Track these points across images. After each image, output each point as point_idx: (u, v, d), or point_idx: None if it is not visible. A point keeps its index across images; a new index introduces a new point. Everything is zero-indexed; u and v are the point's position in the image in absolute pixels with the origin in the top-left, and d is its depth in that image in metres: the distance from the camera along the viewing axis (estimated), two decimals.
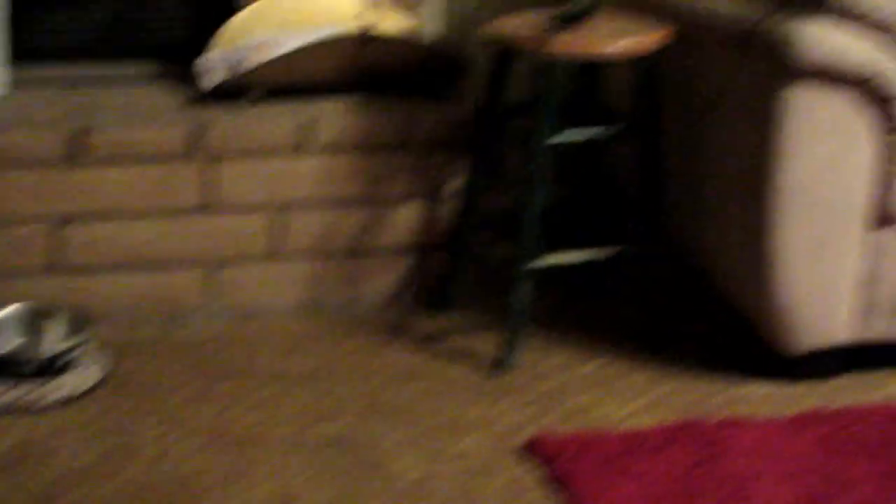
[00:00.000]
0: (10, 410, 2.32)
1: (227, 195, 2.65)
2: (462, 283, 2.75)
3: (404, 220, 2.73)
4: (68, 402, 2.35)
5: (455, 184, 2.73)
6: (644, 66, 2.54)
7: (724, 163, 2.54)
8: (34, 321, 2.47)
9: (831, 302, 2.44)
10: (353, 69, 2.76)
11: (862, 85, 2.31)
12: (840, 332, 2.47)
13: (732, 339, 2.62)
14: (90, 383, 2.40)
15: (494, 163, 2.79)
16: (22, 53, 2.81)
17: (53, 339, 2.44)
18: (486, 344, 2.61)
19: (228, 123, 2.64)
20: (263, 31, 2.77)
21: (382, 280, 2.75)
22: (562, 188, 2.82)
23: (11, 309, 2.49)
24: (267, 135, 2.65)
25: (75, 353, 2.41)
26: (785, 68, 2.30)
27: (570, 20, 2.51)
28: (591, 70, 2.70)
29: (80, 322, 2.47)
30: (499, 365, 2.53)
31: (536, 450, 2.25)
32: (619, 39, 2.47)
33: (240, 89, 2.72)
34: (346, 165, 2.68)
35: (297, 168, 2.66)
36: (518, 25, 2.52)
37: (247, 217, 2.66)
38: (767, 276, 2.40)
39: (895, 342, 2.52)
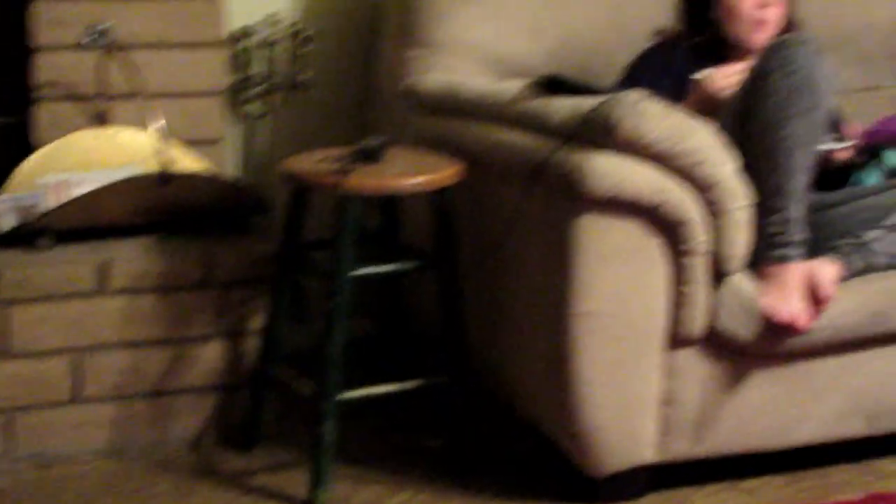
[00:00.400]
0: None
1: (22, 340, 2.60)
2: (269, 420, 2.75)
3: (208, 358, 2.72)
4: None
5: (258, 320, 2.75)
6: (440, 200, 2.61)
7: (523, 291, 2.61)
8: None
9: (634, 423, 2.51)
10: (153, 208, 2.77)
11: (651, 212, 2.41)
12: (644, 452, 2.54)
13: (542, 465, 2.67)
14: None
15: (296, 298, 2.81)
16: None
17: None
18: (295, 481, 2.60)
19: (21, 268, 2.60)
20: (59, 172, 2.75)
21: (188, 420, 2.73)
22: (366, 322, 2.86)
23: None
24: (64, 278, 2.62)
25: None
26: (576, 199, 2.39)
27: (365, 157, 2.57)
28: (390, 205, 2.77)
29: None
30: (308, 502, 2.53)
31: None
32: (414, 175, 2.53)
33: (34, 233, 2.69)
34: (146, 306, 2.67)
35: (96, 310, 2.64)
36: (314, 163, 2.57)
37: (45, 361, 2.62)
38: (571, 400, 2.47)
39: (697, 460, 2.61)
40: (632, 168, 2.38)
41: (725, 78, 2.73)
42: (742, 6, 3.00)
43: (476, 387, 2.77)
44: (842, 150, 2.82)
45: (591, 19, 3.14)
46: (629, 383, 2.49)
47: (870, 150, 3.00)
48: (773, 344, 2.56)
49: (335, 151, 2.61)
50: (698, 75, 2.76)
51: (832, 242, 2.68)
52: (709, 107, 2.72)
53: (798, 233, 2.55)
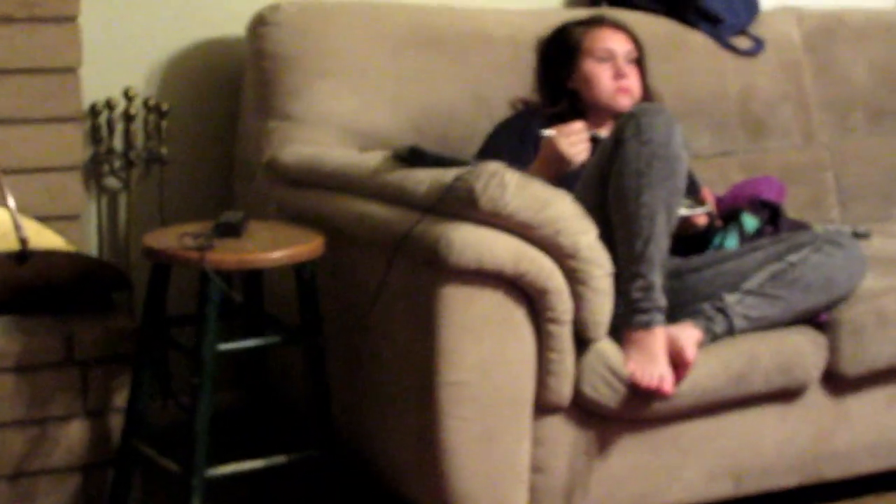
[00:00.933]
0: None
1: None
2: (136, 498, 2.70)
3: (71, 437, 2.67)
4: None
5: (121, 397, 2.71)
6: (303, 273, 2.61)
7: (390, 363, 2.62)
8: None
9: (504, 492, 2.52)
10: (11, 287, 2.72)
11: (515, 281, 2.44)
12: None
13: None
14: None
15: (160, 374, 2.79)
16: None
17: None
18: None
19: None
20: None
21: (52, 502, 2.67)
22: (233, 395, 2.84)
23: None
24: None
25: None
26: (439, 270, 2.41)
27: (226, 231, 2.57)
28: (253, 279, 2.76)
29: None
30: None
31: None
32: (276, 249, 2.52)
33: None
34: (6, 386, 2.62)
35: None
36: (175, 238, 2.54)
37: None
38: (439, 470, 2.47)
39: None
40: (494, 238, 2.41)
41: (568, 136, 2.76)
42: (601, 76, 3.07)
43: (346, 460, 2.76)
44: (699, 215, 2.89)
45: (451, 90, 3.18)
46: (498, 452, 2.51)
47: (729, 215, 3.09)
48: (640, 409, 2.60)
49: (196, 226, 2.60)
50: (546, 132, 2.82)
51: (694, 307, 2.74)
52: (558, 166, 2.76)
53: (659, 298, 2.60)
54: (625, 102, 3.05)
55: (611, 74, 3.08)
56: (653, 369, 2.57)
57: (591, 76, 3.08)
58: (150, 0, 3.21)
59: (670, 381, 2.58)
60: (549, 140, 2.76)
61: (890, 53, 3.87)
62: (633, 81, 3.10)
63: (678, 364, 2.60)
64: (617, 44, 3.11)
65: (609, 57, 3.09)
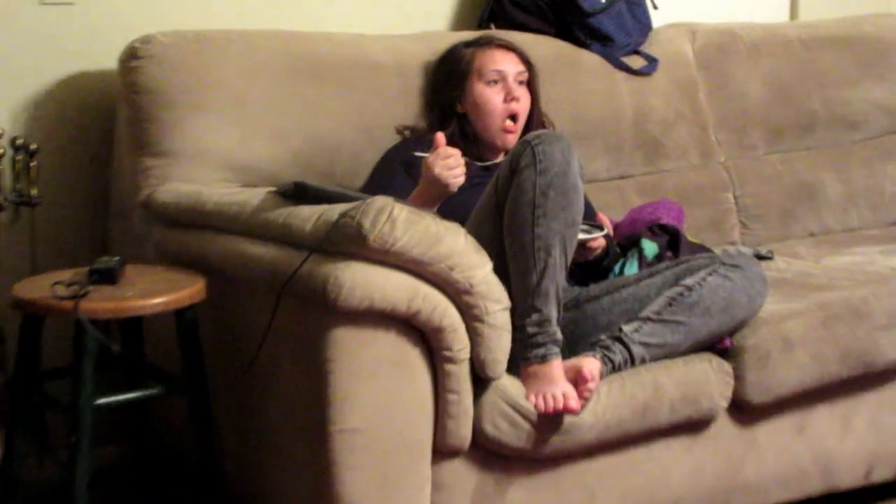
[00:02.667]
0: None
1: None
2: None
3: None
4: None
5: None
6: (184, 319, 2.57)
7: (280, 410, 2.58)
8: None
9: None
10: None
11: (408, 320, 2.43)
12: None
13: None
14: None
15: (36, 431, 2.73)
16: None
17: None
18: None
19: None
20: None
21: None
22: (116, 451, 2.79)
23: None
24: None
25: None
26: (328, 312, 2.38)
27: (101, 278, 2.52)
28: (132, 326, 2.71)
29: None
30: None
31: None
32: (155, 295, 2.49)
33: None
34: None
35: None
36: (46, 287, 2.50)
37: None
38: None
39: None
40: (385, 277, 2.40)
41: (444, 158, 2.71)
42: (491, 99, 3.08)
43: None
44: (596, 238, 2.89)
45: (335, 120, 3.16)
46: (397, 499, 2.48)
47: (629, 241, 3.10)
48: (543, 445, 2.59)
49: (69, 273, 2.55)
50: (421, 154, 2.81)
51: (593, 337, 2.75)
52: (436, 190, 2.72)
53: (555, 332, 2.60)
54: (510, 140, 3.07)
55: (501, 97, 3.08)
56: (554, 390, 2.58)
57: (480, 99, 3.09)
58: (14, 33, 3.14)
59: (574, 397, 2.57)
60: (424, 162, 2.74)
61: (785, 68, 3.93)
62: (523, 104, 3.11)
63: (581, 387, 2.59)
64: (507, 65, 3.12)
65: (499, 78, 3.09)
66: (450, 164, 2.70)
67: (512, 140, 3.07)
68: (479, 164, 2.97)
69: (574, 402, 2.56)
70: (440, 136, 2.73)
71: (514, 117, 3.10)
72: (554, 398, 2.56)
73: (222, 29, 3.17)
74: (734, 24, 3.98)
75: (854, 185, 3.94)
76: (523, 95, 3.12)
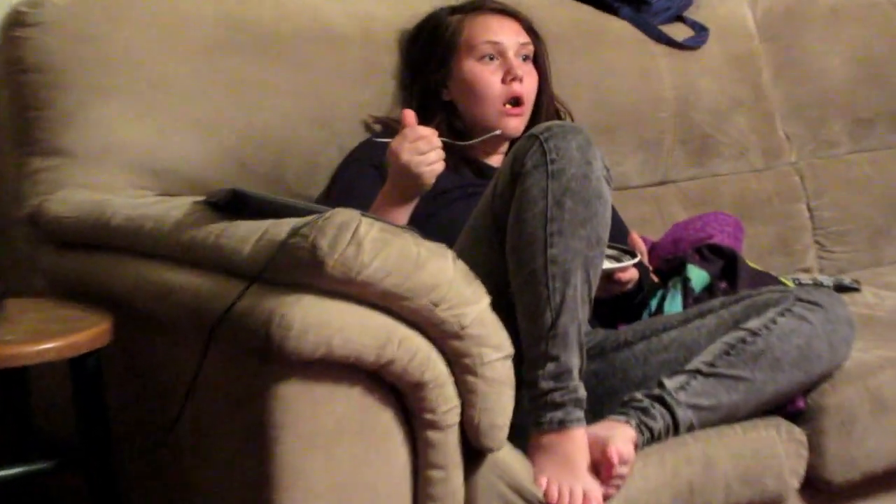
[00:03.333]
0: None
1: None
2: None
3: None
4: None
5: None
6: (83, 369, 2.56)
7: (211, 484, 2.58)
8: None
9: None
10: None
11: (378, 372, 2.42)
12: None
13: None
14: None
15: None
16: None
17: None
18: None
19: None
20: None
21: None
22: None
23: None
24: None
25: None
26: (273, 360, 2.37)
27: None
28: (14, 380, 2.71)
29: None
30: None
31: None
32: (44, 337, 2.48)
33: None
34: None
35: None
36: None
37: None
38: None
39: None
40: (347, 314, 2.39)
41: (412, 141, 2.72)
42: (484, 80, 3.09)
43: None
44: (627, 268, 2.89)
45: (284, 107, 3.18)
46: None
47: (669, 268, 3.10)
48: None
49: None
50: (383, 139, 2.80)
51: (624, 395, 2.74)
52: (407, 184, 2.74)
53: (577, 388, 2.59)
54: (513, 125, 3.07)
55: (499, 77, 3.09)
56: (573, 483, 2.56)
57: (471, 80, 3.10)
58: None
59: (598, 499, 2.57)
60: (389, 150, 2.74)
61: (877, 39, 3.96)
62: (528, 85, 3.11)
63: (606, 475, 2.59)
64: (506, 35, 3.13)
65: (496, 53, 3.10)
66: (420, 148, 2.70)
67: (517, 125, 3.08)
68: (462, 143, 2.96)
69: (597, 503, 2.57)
70: (408, 114, 2.74)
71: (516, 101, 3.10)
72: (572, 495, 2.55)
73: None
74: None
75: None
76: (528, 74, 3.13)
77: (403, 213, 2.79)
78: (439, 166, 2.72)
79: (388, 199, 2.74)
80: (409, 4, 3.37)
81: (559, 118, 3.22)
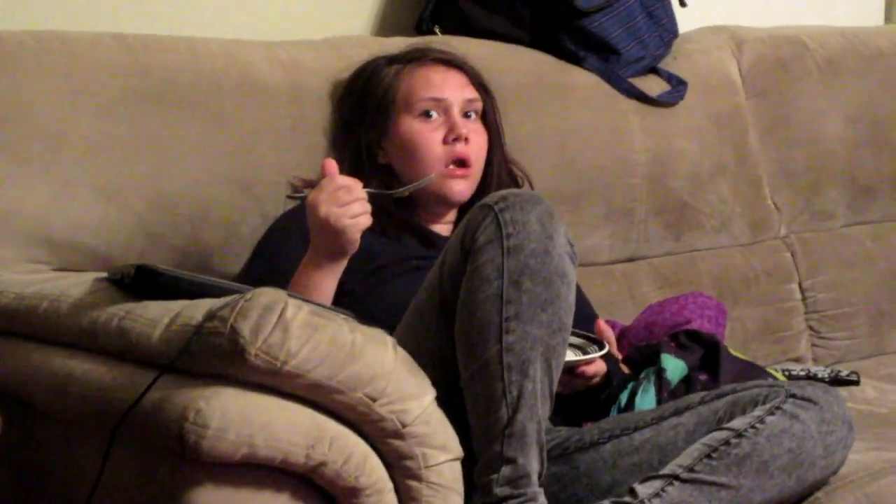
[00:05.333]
0: None
1: None
2: None
3: None
4: None
5: None
6: None
7: None
8: None
9: None
10: None
11: (307, 475, 2.43)
12: None
13: None
14: None
15: None
16: None
17: None
18: None
19: None
20: None
21: None
22: None
23: None
24: None
25: None
26: (187, 462, 2.37)
27: None
28: None
29: None
30: None
31: None
32: None
33: None
34: None
35: None
36: None
37: None
38: None
39: None
40: (272, 410, 2.40)
41: (331, 192, 2.74)
42: (423, 141, 3.10)
43: None
44: (592, 359, 2.89)
45: (200, 170, 3.18)
46: None
47: (642, 357, 3.11)
48: None
49: None
50: (296, 195, 2.81)
51: (591, 503, 2.75)
52: (328, 241, 2.76)
53: (539, 494, 2.60)
54: (458, 188, 3.09)
55: (440, 136, 3.10)
56: None
57: (410, 140, 3.12)
58: None
59: None
60: (307, 205, 2.77)
61: (879, 96, 3.98)
62: (474, 146, 3.13)
63: None
64: (450, 90, 3.16)
65: (438, 109, 3.13)
66: (341, 199, 2.72)
67: (462, 189, 3.10)
68: (390, 192, 2.96)
69: None
70: (328, 163, 2.76)
71: (461, 163, 3.12)
72: None
73: (31, 30, 3.18)
74: (801, 30, 4.04)
75: None
76: (474, 133, 3.14)
77: (328, 280, 2.81)
78: (365, 220, 2.74)
79: (310, 263, 2.76)
80: (342, 52, 3.39)
81: (515, 183, 3.24)
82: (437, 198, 3.13)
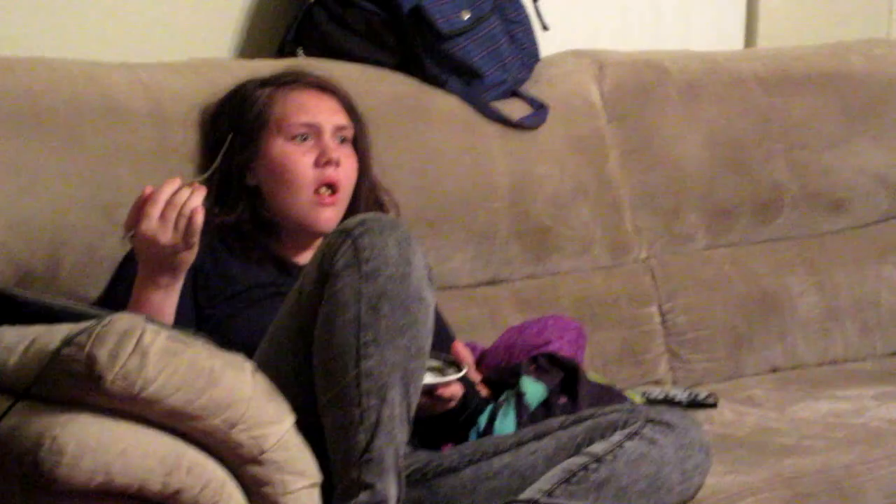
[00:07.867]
0: None
1: None
2: None
3: None
4: None
5: None
6: None
7: None
8: None
9: None
10: None
11: (168, 501, 2.41)
12: None
13: None
14: None
15: None
16: None
17: None
18: None
19: None
20: None
21: None
22: None
23: None
24: None
25: None
26: (41, 489, 2.35)
27: None
28: None
29: None
30: None
31: None
32: None
33: None
34: None
35: None
36: None
37: None
38: None
39: None
40: (129, 437, 2.38)
41: (137, 209, 2.73)
42: (294, 164, 3.10)
43: None
44: (451, 382, 2.90)
45: (58, 195, 3.16)
46: None
47: (501, 380, 3.11)
48: None
49: None
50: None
51: None
52: (154, 257, 2.75)
53: None
54: (326, 216, 3.09)
55: (311, 159, 3.10)
56: None
57: (280, 162, 3.11)
58: None
59: None
60: (124, 227, 2.76)
61: (738, 120, 4.01)
62: (344, 171, 3.13)
63: None
64: (323, 115, 3.16)
65: (310, 133, 3.12)
66: (148, 213, 2.70)
67: (330, 217, 3.10)
68: (202, 177, 2.92)
69: None
70: (146, 190, 2.74)
71: (331, 187, 3.12)
72: None
73: None
74: (663, 54, 4.07)
75: (837, 294, 4.04)
76: (345, 158, 3.14)
77: (162, 297, 2.80)
78: (176, 222, 2.71)
79: (139, 287, 2.75)
80: (205, 76, 3.38)
81: (382, 209, 3.24)
82: (303, 227, 3.12)
